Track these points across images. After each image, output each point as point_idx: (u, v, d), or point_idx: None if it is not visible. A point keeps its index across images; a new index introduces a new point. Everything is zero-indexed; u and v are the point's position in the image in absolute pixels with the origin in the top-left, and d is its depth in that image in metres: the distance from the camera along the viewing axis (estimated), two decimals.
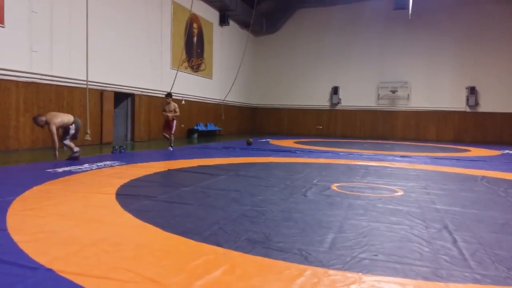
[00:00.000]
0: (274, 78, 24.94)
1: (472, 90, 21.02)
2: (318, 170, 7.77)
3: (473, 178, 7.36)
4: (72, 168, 6.99)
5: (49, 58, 10.89)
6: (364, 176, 7.21)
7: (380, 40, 22.58)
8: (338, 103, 23.58)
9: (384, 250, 3.11)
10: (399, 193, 5.58)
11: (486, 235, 3.58)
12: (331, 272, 2.63)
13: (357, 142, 18.41)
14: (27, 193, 4.82)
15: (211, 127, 19.76)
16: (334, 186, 5.97)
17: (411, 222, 3.97)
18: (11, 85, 9.85)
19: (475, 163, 10.01)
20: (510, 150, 15.42)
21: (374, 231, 3.64)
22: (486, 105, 21.00)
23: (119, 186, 5.47)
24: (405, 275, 2.62)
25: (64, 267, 2.57)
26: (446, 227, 3.81)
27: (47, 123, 7.82)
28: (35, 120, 7.83)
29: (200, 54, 19.02)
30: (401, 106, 22.58)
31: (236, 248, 3.03)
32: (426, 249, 3.15)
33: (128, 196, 4.83)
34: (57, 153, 8.01)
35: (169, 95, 11.64)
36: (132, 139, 14.62)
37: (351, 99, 23.35)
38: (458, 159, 11.08)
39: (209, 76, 19.98)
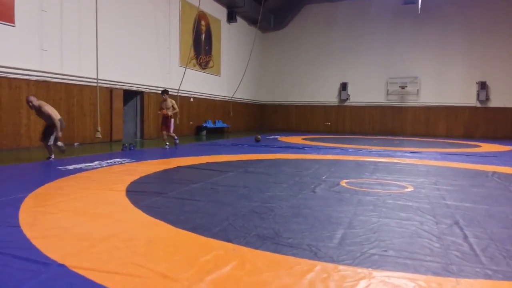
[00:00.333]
0: (282, 75, 24.88)
1: (483, 85, 20.77)
2: (327, 167, 7.76)
3: (484, 173, 7.29)
4: (83, 165, 7.06)
5: (59, 57, 10.99)
6: (374, 172, 7.18)
7: (388, 35, 22.38)
8: (347, 99, 23.46)
9: (394, 245, 3.10)
10: (409, 189, 5.55)
11: (497, 231, 3.55)
12: (341, 267, 2.63)
13: (366, 138, 18.32)
14: (39, 190, 4.88)
15: (219, 124, 19.80)
16: (343, 182, 5.95)
17: (421, 218, 3.95)
18: (22, 83, 9.96)
19: (486, 159, 9.91)
20: None
21: (384, 227, 3.63)
22: (497, 100, 20.74)
23: (129, 183, 5.52)
24: (416, 271, 2.61)
25: (76, 262, 2.61)
26: (456, 223, 3.79)
27: (40, 106, 7.62)
28: (27, 98, 7.63)
29: (208, 51, 19.04)
30: (411, 101, 22.39)
31: (246, 244, 3.05)
32: (437, 245, 3.13)
33: (138, 193, 4.87)
34: (60, 133, 7.85)
35: (165, 92, 11.14)
36: (142, 136, 14.71)
37: (359, 95, 23.21)
38: (468, 154, 10.97)
39: (217, 73, 20.00)
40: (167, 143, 11.12)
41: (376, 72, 22.77)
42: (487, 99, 20.86)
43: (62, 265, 2.55)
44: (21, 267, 2.52)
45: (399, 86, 22.32)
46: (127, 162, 7.71)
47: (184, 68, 15.99)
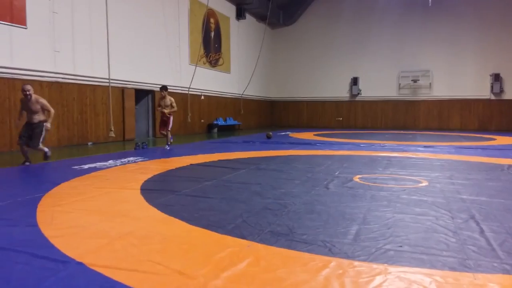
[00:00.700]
0: (292, 71, 24.79)
1: (497, 77, 20.43)
2: (340, 162, 7.72)
3: (499, 167, 7.18)
4: (97, 164, 7.14)
5: (71, 58, 11.11)
6: (387, 167, 7.13)
7: (399, 28, 22.13)
8: (358, 94, 23.29)
9: (410, 241, 3.08)
10: (423, 184, 5.50)
11: None
12: (356, 263, 2.62)
13: (379, 133, 18.18)
14: (55, 190, 4.96)
15: (230, 121, 19.84)
16: (356, 178, 5.92)
17: (437, 213, 3.91)
18: (35, 85, 10.07)
19: (501, 152, 9.77)
20: None
21: (399, 222, 3.60)
22: None
23: (143, 181, 5.57)
24: (432, 266, 2.59)
25: (94, 260, 2.65)
26: (472, 217, 3.75)
27: (36, 97, 7.20)
28: (25, 86, 7.07)
29: (218, 49, 19.07)
30: (423, 95, 22.14)
31: (260, 241, 3.06)
32: (453, 240, 3.10)
33: (153, 191, 4.91)
34: (48, 125, 7.38)
35: (164, 88, 10.46)
36: (154, 135, 14.82)
37: (371, 90, 23.02)
38: (483, 148, 10.82)
39: (227, 70, 20.03)
40: (169, 143, 10.62)
41: (387, 66, 22.55)
42: (501, 91, 20.53)
43: (80, 263, 2.59)
44: (40, 265, 2.57)
45: (411, 80, 22.09)
46: (140, 161, 7.78)
47: (194, 66, 16.04)
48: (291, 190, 5.05)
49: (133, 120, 13.56)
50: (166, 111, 10.34)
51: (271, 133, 14.64)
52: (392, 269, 2.54)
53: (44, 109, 7.28)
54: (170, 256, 2.75)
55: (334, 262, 2.64)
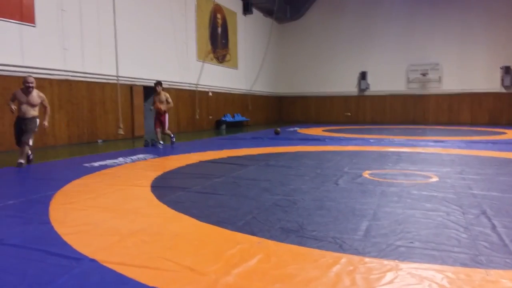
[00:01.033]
0: (300, 66, 24.69)
1: (507, 70, 20.16)
2: (349, 158, 7.70)
3: (511, 161, 7.10)
4: (108, 162, 7.20)
5: (80, 55, 11.19)
6: (397, 162, 7.09)
7: (407, 21, 21.90)
8: (367, 88, 23.14)
9: (421, 237, 3.07)
10: (433, 179, 5.47)
11: None
12: (367, 259, 2.62)
13: (388, 128, 18.07)
14: (67, 187, 5.01)
15: (238, 117, 19.85)
16: (366, 174, 5.90)
17: (448, 208, 3.89)
18: (45, 83, 10.18)
19: None
20: None
21: (410, 218, 3.59)
22: None
23: (153, 178, 5.61)
24: (443, 262, 2.58)
25: (106, 257, 2.68)
26: (484, 213, 3.72)
27: (38, 94, 7.00)
28: (28, 78, 6.92)
29: (225, 45, 19.05)
30: (433, 89, 21.92)
31: (271, 237, 3.07)
32: (464, 236, 3.08)
33: (163, 188, 4.95)
34: (46, 123, 7.18)
35: (158, 83, 10.01)
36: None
37: (380, 84, 22.85)
38: (494, 142, 10.71)
39: (235, 66, 20.01)
40: (161, 142, 10.08)
41: (396, 60, 22.36)
42: None
43: (93, 260, 2.63)
44: (54, 262, 2.61)
45: (420, 74, 21.88)
46: (150, 158, 7.83)
47: (202, 63, 16.06)
48: (300, 186, 5.05)
49: (141, 117, 13.62)
50: (162, 107, 9.93)
51: (279, 129, 14.63)
52: (403, 265, 2.53)
53: (42, 104, 7.09)
54: (181, 253, 2.78)
55: (344, 258, 2.64)
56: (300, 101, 24.95)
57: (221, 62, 18.68)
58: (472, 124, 20.56)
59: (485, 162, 7.07)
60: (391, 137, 12.56)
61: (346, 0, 23.11)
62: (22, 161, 6.77)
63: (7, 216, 3.73)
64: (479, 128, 17.26)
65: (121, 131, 11.09)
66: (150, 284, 2.28)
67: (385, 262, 2.58)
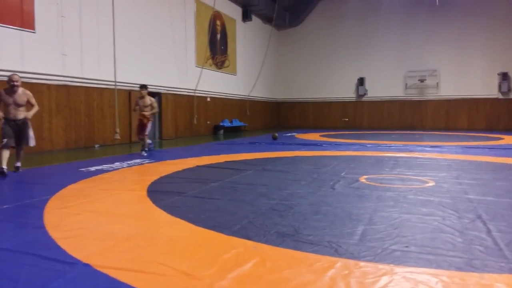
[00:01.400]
0: (298, 72, 24.77)
1: (505, 76, 20.26)
2: (346, 163, 7.70)
3: (507, 166, 7.12)
4: (104, 166, 7.19)
5: (79, 61, 11.20)
6: (394, 167, 7.10)
7: (406, 27, 22.01)
8: (365, 94, 23.21)
9: (416, 241, 3.07)
10: (430, 184, 5.47)
11: None
12: (362, 264, 2.62)
13: (385, 133, 18.10)
14: (63, 192, 5.00)
15: (236, 123, 19.86)
16: (362, 179, 5.90)
17: (443, 213, 3.89)
18: (43, 88, 10.19)
19: (509, 151, 9.68)
20: None
21: (405, 222, 3.59)
22: None
23: (149, 183, 5.60)
24: (438, 266, 2.57)
25: (101, 261, 2.66)
26: (479, 217, 3.72)
27: (24, 92, 6.64)
28: (14, 76, 6.57)
29: (224, 51, 19.11)
30: (430, 95, 22.00)
31: (266, 242, 3.06)
32: (459, 240, 3.08)
33: (159, 193, 4.94)
34: (29, 116, 6.77)
35: (143, 86, 9.60)
36: (160, 137, 14.87)
37: (377, 90, 22.92)
38: (490, 147, 10.74)
39: (233, 72, 20.06)
40: (146, 149, 9.50)
41: (393, 66, 22.45)
42: (510, 90, 20.34)
43: (87, 265, 2.61)
44: (47, 267, 2.59)
45: (418, 80, 21.96)
46: (146, 163, 7.82)
47: (201, 68, 16.09)
48: (297, 191, 5.05)
49: None
50: (146, 113, 9.47)
51: (277, 134, 14.64)
52: (398, 269, 2.53)
53: (29, 103, 6.69)
54: (177, 257, 2.77)
55: (340, 262, 2.64)
56: (298, 106, 25.00)
57: (220, 68, 18.73)
58: (469, 129, 20.61)
59: (481, 167, 7.08)
60: (388, 142, 12.57)
61: (345, 7, 23.23)
62: (19, 164, 6.75)
63: (1, 221, 3.71)
64: (476, 134, 17.30)
65: (117, 136, 11.08)
66: None
67: (380, 266, 2.58)
